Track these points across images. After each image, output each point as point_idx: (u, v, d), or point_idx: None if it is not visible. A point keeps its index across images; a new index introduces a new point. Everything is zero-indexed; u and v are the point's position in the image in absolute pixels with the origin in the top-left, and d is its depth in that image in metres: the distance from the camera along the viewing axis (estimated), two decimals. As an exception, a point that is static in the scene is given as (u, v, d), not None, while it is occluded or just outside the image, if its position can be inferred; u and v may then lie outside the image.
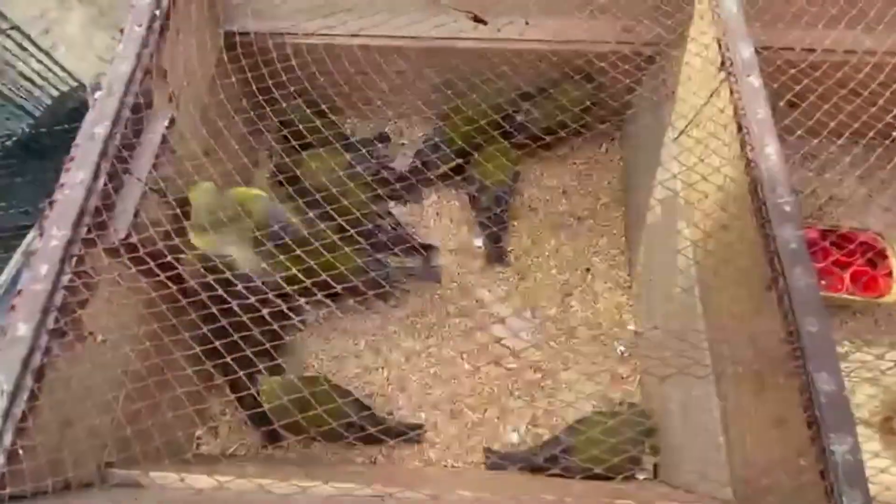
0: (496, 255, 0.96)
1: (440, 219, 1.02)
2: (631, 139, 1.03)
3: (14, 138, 1.05)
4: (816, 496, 0.45)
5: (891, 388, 0.85)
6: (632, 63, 0.83)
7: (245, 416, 0.80)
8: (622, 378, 0.89)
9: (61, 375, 0.53)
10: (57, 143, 1.10)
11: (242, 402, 0.78)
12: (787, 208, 0.55)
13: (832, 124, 0.76)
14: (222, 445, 0.83)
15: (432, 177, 0.95)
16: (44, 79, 1.00)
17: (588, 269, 0.98)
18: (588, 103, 0.92)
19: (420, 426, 0.84)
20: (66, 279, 0.54)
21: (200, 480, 0.56)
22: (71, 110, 1.04)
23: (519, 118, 0.97)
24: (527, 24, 0.85)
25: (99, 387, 0.58)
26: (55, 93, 1.03)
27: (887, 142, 0.84)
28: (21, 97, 1.03)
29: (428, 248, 0.96)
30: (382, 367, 0.90)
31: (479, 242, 1.00)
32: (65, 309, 0.53)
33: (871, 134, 0.78)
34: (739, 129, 0.61)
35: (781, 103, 0.64)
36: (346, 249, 0.82)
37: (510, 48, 0.86)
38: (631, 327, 0.93)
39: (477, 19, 0.85)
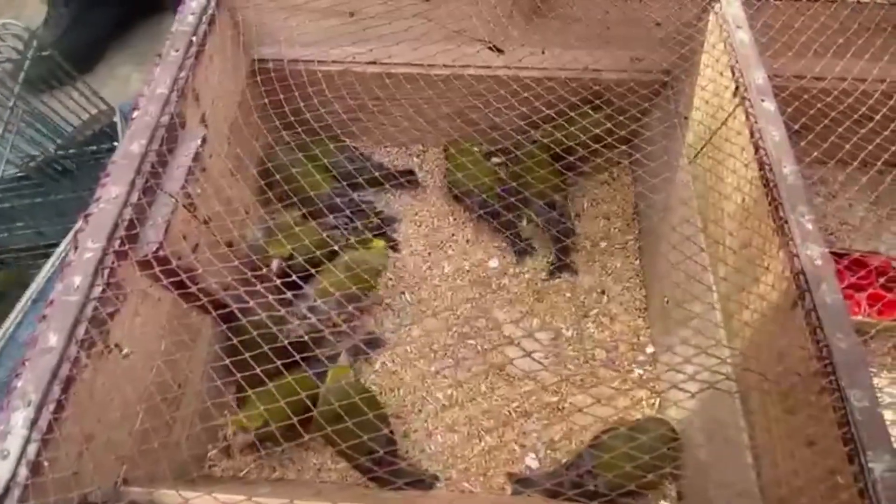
0: (521, 248, 0.99)
1: (455, 241, 1.03)
2: (642, 164, 1.05)
3: (39, 159, 1.08)
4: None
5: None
6: (644, 89, 0.86)
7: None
8: (640, 401, 0.88)
9: (87, 387, 0.52)
10: (80, 166, 1.12)
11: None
12: (810, 226, 0.56)
13: (842, 152, 0.78)
14: (235, 466, 0.82)
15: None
16: (75, 101, 1.04)
17: (603, 292, 0.98)
18: (600, 131, 0.95)
19: (435, 477, 0.80)
20: (97, 291, 0.54)
21: (221, 500, 0.55)
22: (97, 133, 1.07)
23: (536, 138, 1.00)
24: (543, 53, 0.89)
25: (121, 401, 0.58)
26: (85, 116, 1.06)
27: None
28: (49, 119, 1.06)
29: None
30: (399, 388, 0.89)
31: (494, 263, 1.00)
32: (95, 320, 0.53)
33: (881, 161, 0.80)
34: (756, 150, 0.62)
35: (796, 127, 0.66)
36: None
37: (526, 76, 0.89)
38: (649, 350, 0.92)
39: (494, 49, 0.88)
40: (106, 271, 0.55)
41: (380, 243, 0.94)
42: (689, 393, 0.78)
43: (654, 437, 0.76)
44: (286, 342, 0.76)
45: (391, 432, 0.81)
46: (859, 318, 0.90)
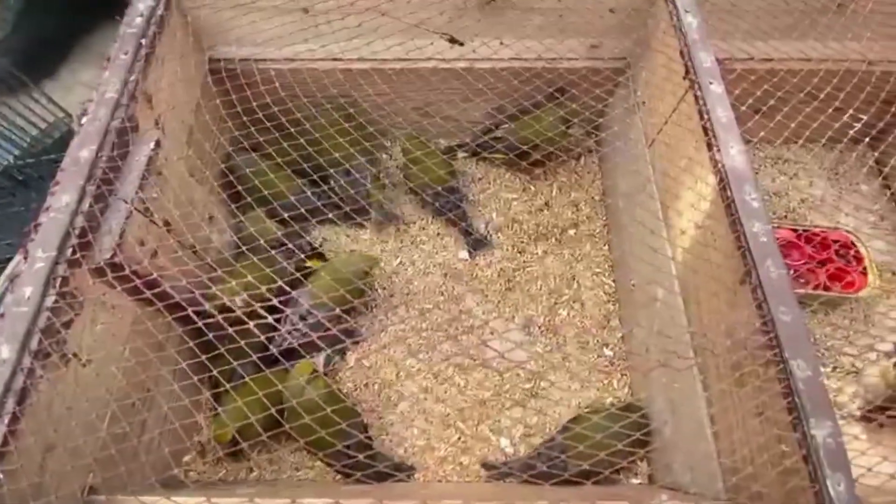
0: (475, 242, 0.99)
1: (427, 235, 1.03)
2: (607, 150, 1.06)
3: (-1, 171, 1.06)
4: (800, 481, 0.46)
5: (872, 383, 0.86)
6: (602, 76, 0.87)
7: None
8: (613, 384, 0.90)
9: (44, 398, 0.52)
10: (43, 174, 1.10)
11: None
12: (755, 204, 0.57)
13: (792, 128, 0.80)
14: (212, 471, 0.82)
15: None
16: (31, 110, 1.02)
17: (574, 278, 0.99)
18: (565, 127, 0.96)
19: (411, 468, 0.81)
20: (50, 301, 0.54)
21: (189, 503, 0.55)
22: (57, 140, 1.05)
23: (497, 134, 1.01)
24: (501, 44, 0.89)
25: (83, 410, 0.57)
26: (42, 125, 1.04)
27: (853, 145, 0.88)
28: (7, 129, 1.03)
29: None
30: (374, 383, 0.90)
31: (463, 255, 1.01)
32: (49, 330, 0.53)
33: (828, 138, 0.82)
34: (705, 133, 0.64)
35: (744, 107, 0.67)
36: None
37: (486, 67, 0.90)
38: (619, 333, 0.94)
39: (453, 41, 0.88)
40: (58, 280, 0.54)
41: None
42: (653, 374, 0.80)
43: (620, 416, 0.78)
44: (276, 351, 0.77)
45: (365, 426, 0.81)
46: (821, 291, 0.92)
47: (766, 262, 0.54)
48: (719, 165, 0.61)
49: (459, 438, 0.85)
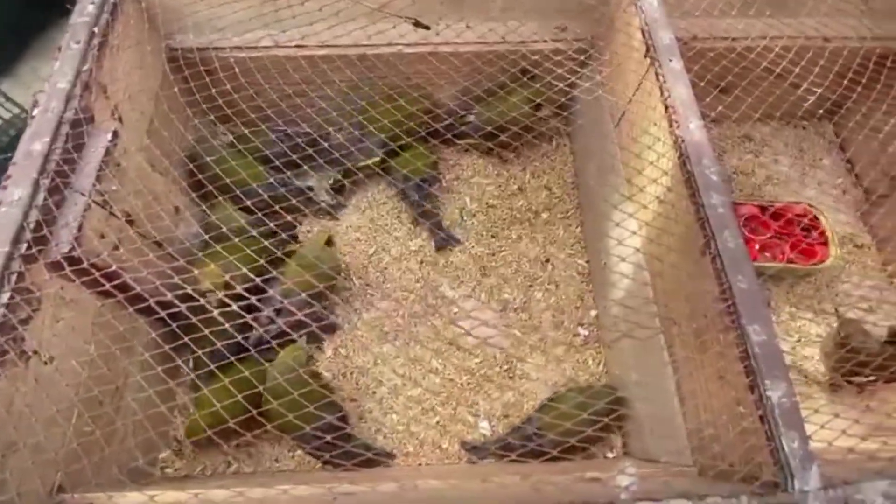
0: (442, 241, 0.98)
1: (401, 222, 1.03)
2: (578, 132, 1.07)
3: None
4: (757, 440, 0.47)
5: (835, 350, 0.89)
6: (567, 57, 0.87)
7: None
8: (588, 362, 0.92)
9: (2, 396, 0.51)
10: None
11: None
12: (714, 177, 0.59)
13: (755, 105, 0.82)
14: (189, 467, 0.81)
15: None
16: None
17: (547, 261, 1.00)
18: (535, 102, 0.96)
19: (390, 454, 0.82)
20: (5, 297, 0.52)
21: (166, 496, 0.55)
22: (14, 138, 1.02)
23: (470, 118, 1.01)
24: (467, 27, 0.89)
25: (45, 407, 0.56)
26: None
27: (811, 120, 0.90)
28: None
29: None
30: (352, 372, 0.89)
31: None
32: (4, 328, 0.52)
33: (795, 114, 0.84)
34: (666, 109, 0.65)
35: (702, 83, 0.69)
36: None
37: (451, 51, 0.89)
38: (593, 312, 0.95)
39: (418, 24, 0.88)
40: (13, 276, 0.53)
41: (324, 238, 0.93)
42: (624, 348, 0.82)
43: (596, 394, 0.79)
44: (252, 349, 0.77)
45: (342, 412, 0.81)
46: (785, 263, 0.95)
47: (723, 232, 0.55)
48: (679, 140, 0.62)
49: (438, 422, 0.86)
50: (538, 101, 0.95)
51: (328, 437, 0.72)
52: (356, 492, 0.57)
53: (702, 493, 0.43)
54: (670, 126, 0.63)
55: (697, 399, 0.59)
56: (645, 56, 0.70)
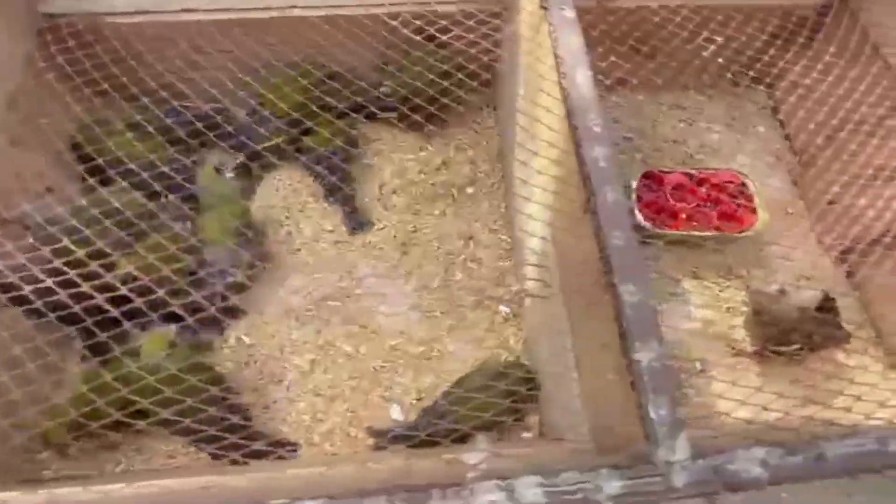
0: (355, 222, 0.93)
1: (316, 202, 0.97)
2: (500, 101, 1.02)
3: None
4: (631, 408, 0.43)
5: (763, 318, 0.87)
6: (478, 20, 0.82)
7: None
8: (509, 340, 0.87)
9: None
10: None
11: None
12: (597, 129, 0.54)
13: (677, 68, 0.78)
14: (74, 467, 0.74)
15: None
16: None
17: (471, 237, 0.96)
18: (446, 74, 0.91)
19: (294, 446, 0.77)
20: None
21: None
22: None
23: (383, 90, 0.95)
24: (369, -11, 0.83)
25: None
26: None
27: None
28: None
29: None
30: (256, 361, 0.84)
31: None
32: None
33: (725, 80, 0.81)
34: (556, 59, 0.60)
35: (644, 49, 0.64)
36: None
37: (352, 14, 0.83)
38: (514, 288, 0.91)
39: (316, -15, 0.82)
40: None
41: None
42: (537, 325, 0.77)
43: (503, 375, 0.75)
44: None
45: (239, 405, 0.76)
46: (714, 232, 0.92)
47: (604, 187, 0.51)
48: (566, 92, 0.57)
49: (348, 409, 0.81)
50: (447, 68, 0.89)
51: (212, 430, 0.67)
52: (228, 483, 0.52)
53: (557, 469, 0.39)
54: (558, 77, 0.59)
55: (589, 369, 0.55)
56: (540, 7, 0.65)
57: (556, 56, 0.60)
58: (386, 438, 0.76)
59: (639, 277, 0.46)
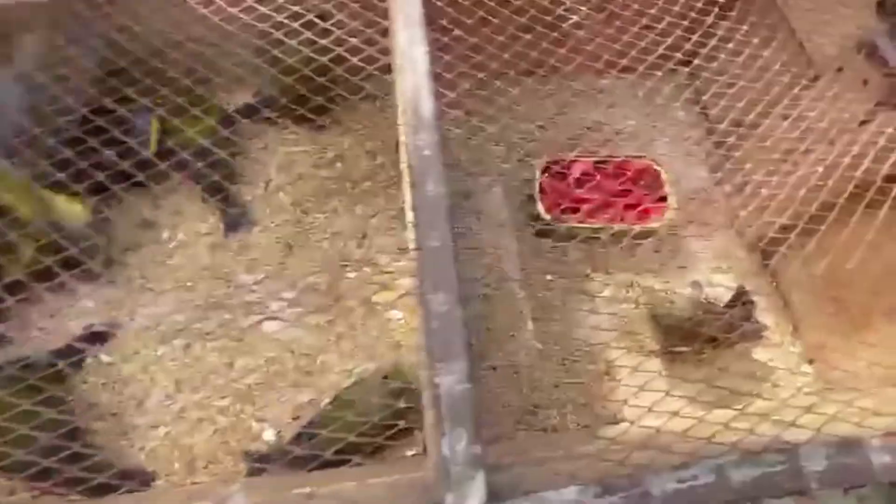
0: (232, 222, 0.85)
1: (190, 202, 0.88)
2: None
3: None
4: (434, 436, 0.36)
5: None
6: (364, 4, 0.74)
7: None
8: (400, 349, 0.80)
9: None
10: None
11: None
12: (426, 113, 0.47)
13: (591, 53, 0.72)
14: None
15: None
16: None
17: (365, 236, 0.88)
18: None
19: (148, 475, 0.69)
20: None
21: None
22: None
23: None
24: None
25: None
26: None
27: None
28: None
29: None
30: (115, 383, 0.75)
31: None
32: None
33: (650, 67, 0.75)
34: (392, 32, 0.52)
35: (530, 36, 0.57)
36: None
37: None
38: (408, 292, 0.84)
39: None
40: None
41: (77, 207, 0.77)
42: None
43: (377, 389, 0.68)
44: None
45: (76, 431, 0.67)
46: (618, 224, 0.86)
47: (426, 179, 0.44)
48: (400, 69, 0.50)
49: (215, 432, 0.73)
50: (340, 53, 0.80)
51: (44, 463, 0.58)
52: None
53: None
54: (393, 54, 0.51)
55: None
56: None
57: (392, 30, 0.53)
58: (254, 463, 0.68)
59: (449, 284, 0.39)
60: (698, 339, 0.79)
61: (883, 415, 0.42)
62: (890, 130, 0.66)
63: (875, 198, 0.63)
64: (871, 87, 0.73)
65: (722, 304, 0.80)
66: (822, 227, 0.67)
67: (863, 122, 0.72)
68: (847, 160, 0.67)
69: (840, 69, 0.76)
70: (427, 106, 0.47)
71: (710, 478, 0.36)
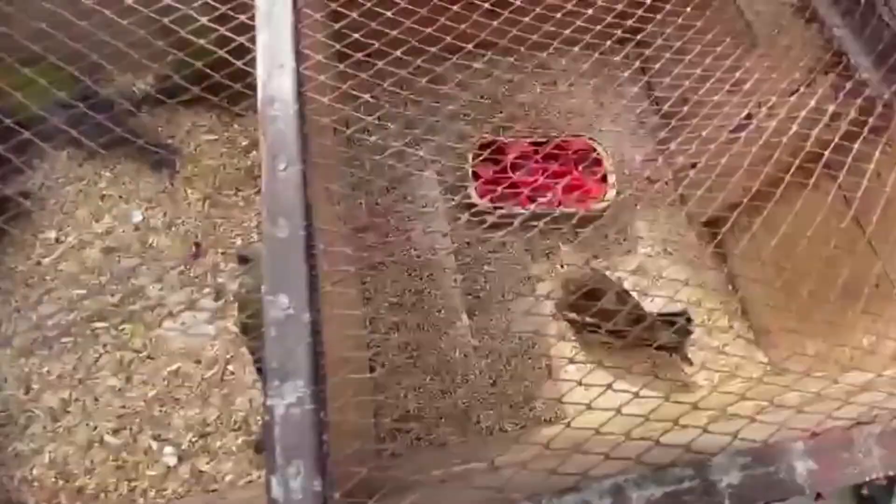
0: (158, 160, 0.80)
1: (85, 198, 0.79)
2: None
3: None
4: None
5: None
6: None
7: None
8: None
9: None
10: None
11: None
12: (286, 81, 0.40)
13: (529, 25, 0.65)
14: None
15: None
16: None
17: (284, 230, 0.80)
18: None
19: None
20: None
21: None
22: None
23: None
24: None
25: None
26: None
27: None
28: None
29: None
30: (-9, 406, 0.66)
31: (137, 217, 0.78)
32: None
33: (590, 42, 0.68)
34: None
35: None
36: None
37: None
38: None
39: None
40: None
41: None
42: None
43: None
44: None
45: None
46: (557, 208, 0.80)
47: (279, 158, 0.37)
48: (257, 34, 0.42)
49: (107, 457, 0.65)
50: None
51: None
52: None
53: None
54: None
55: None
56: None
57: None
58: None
59: (294, 284, 0.32)
60: (608, 319, 0.72)
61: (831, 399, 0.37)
62: (833, 103, 0.61)
63: (825, 171, 0.58)
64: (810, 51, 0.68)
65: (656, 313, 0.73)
66: (769, 205, 0.61)
67: (802, 89, 0.67)
68: (793, 128, 0.62)
69: (777, 33, 0.71)
70: (288, 74, 0.40)
71: (606, 502, 0.30)
